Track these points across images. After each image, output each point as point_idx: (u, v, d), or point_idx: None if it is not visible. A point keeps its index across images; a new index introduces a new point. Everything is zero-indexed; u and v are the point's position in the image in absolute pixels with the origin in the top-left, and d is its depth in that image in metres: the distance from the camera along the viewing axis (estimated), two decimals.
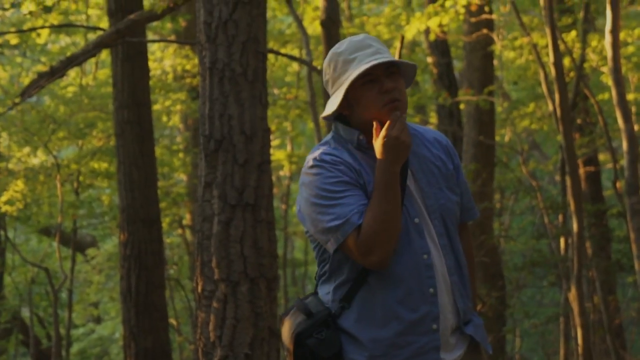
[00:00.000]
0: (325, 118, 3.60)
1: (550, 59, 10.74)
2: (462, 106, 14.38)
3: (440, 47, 14.64)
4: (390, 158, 3.39)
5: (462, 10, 12.56)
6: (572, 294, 10.41)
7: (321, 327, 3.47)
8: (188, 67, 16.03)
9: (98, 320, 21.42)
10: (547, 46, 11.61)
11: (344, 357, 3.47)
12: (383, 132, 3.41)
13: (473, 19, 13.27)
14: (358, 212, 3.39)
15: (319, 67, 10.99)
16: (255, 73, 6.29)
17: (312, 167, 3.50)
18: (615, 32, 10.02)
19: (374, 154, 3.49)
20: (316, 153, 3.51)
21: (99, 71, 18.35)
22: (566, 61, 12.87)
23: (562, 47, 12.35)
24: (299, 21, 10.63)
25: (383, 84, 3.47)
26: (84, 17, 17.21)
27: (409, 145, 3.41)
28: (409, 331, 3.43)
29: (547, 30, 10.66)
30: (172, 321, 16.18)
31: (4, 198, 14.36)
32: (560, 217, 12.99)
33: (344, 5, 17.84)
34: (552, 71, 10.78)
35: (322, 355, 3.45)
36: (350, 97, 3.52)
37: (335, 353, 3.46)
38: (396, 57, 3.48)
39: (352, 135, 3.55)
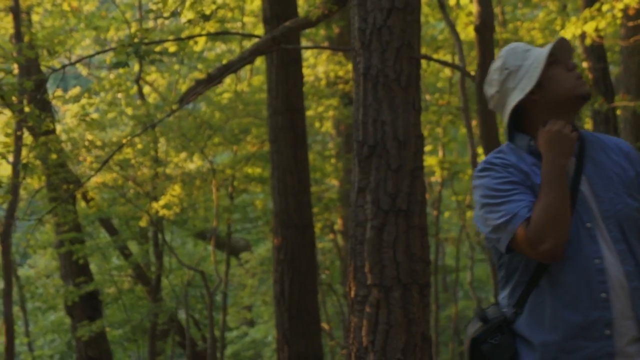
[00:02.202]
0: (506, 122, 3.70)
1: None
2: (618, 112, 14.09)
3: (596, 52, 14.37)
4: (555, 151, 3.46)
5: (620, 14, 12.31)
6: None
7: (495, 332, 3.52)
8: (341, 73, 16.16)
9: (251, 323, 21.74)
10: None
11: None
12: (546, 128, 3.51)
13: (631, 23, 12.98)
14: (526, 206, 3.44)
15: (472, 73, 10.93)
16: (408, 79, 6.28)
17: (482, 170, 3.60)
18: None
19: None
20: (488, 157, 3.62)
21: (254, 78, 18.64)
22: None
23: None
24: (452, 26, 10.60)
25: (568, 63, 3.64)
26: (239, 24, 17.49)
27: (572, 139, 3.48)
28: (578, 335, 3.41)
29: None
30: (324, 325, 16.31)
31: (162, 202, 14.72)
32: None
33: (497, 10, 17.69)
34: None
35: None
36: (540, 77, 3.63)
37: (510, 358, 3.50)
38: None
39: (524, 141, 3.64)
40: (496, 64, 3.73)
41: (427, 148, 19.98)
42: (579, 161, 3.57)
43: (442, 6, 10.57)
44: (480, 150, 12.85)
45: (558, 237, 3.38)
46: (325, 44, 16.73)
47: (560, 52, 3.66)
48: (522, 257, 3.50)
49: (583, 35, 13.39)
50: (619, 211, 3.51)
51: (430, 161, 17.86)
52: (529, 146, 3.61)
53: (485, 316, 3.58)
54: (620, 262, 3.46)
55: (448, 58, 16.83)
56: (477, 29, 10.14)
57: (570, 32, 12.56)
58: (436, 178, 19.74)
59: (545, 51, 3.62)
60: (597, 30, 12.51)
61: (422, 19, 15.93)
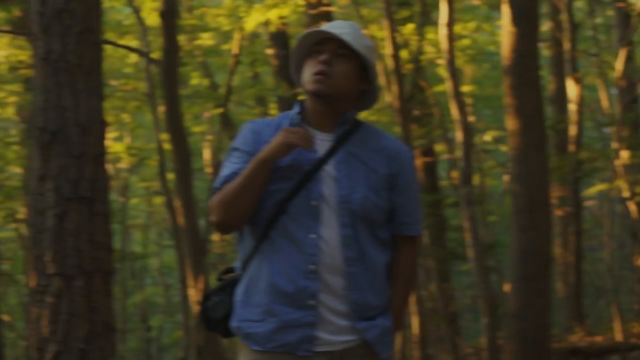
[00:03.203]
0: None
1: (388, 51, 10.90)
2: (301, 97, 14.45)
3: (281, 39, 14.69)
4: (269, 148, 3.56)
5: (302, 2, 12.64)
6: None
7: (219, 291, 3.74)
8: (23, 57, 15.66)
9: None
10: (385, 39, 11.78)
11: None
12: (289, 129, 3.60)
13: (312, 11, 13.34)
14: (226, 177, 3.65)
15: (157, 58, 10.89)
16: (91, 64, 6.18)
17: (246, 123, 3.81)
18: (450, 25, 10.24)
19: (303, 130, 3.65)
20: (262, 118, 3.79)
21: None
22: (403, 53, 13.08)
23: (399, 39, 12.54)
24: (136, 12, 10.50)
25: (320, 56, 3.65)
26: None
27: (287, 148, 3.55)
28: (285, 302, 3.55)
29: (385, 23, 10.82)
30: (5, 317, 15.81)
31: None
32: None
33: None
34: (390, 63, 10.95)
35: (210, 316, 3.72)
36: (300, 66, 3.76)
37: (224, 315, 3.70)
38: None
39: (295, 110, 3.80)
40: None
41: (113, 134, 19.74)
42: (338, 144, 3.67)
43: None
44: (165, 136, 12.82)
45: (224, 216, 3.60)
46: (7, 27, 16.17)
47: (329, 43, 3.67)
48: (253, 222, 3.65)
49: (267, 23, 13.63)
50: (355, 200, 3.62)
51: (116, 147, 17.64)
52: (291, 119, 3.74)
53: (221, 277, 3.78)
54: (342, 245, 3.60)
55: (135, 43, 16.66)
56: (162, 15, 10.10)
57: (254, 19, 12.77)
58: (123, 164, 19.55)
59: (302, 40, 3.68)
60: (280, 17, 12.78)
61: (108, 3, 15.70)
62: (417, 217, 3.84)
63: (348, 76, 3.66)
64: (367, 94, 3.77)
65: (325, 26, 3.72)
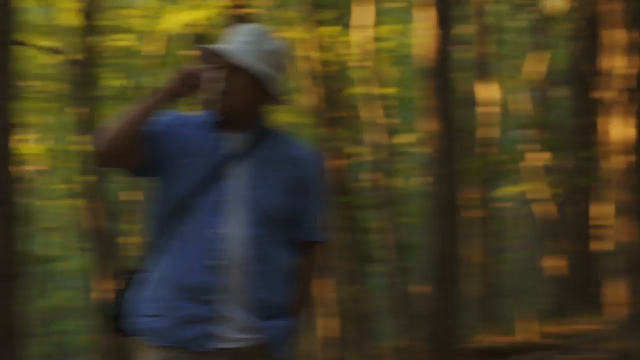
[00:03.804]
0: None
1: (308, 53, 10.91)
2: None
3: (203, 41, 14.59)
4: (172, 81, 3.59)
5: (222, 4, 12.58)
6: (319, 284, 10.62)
7: (124, 289, 3.73)
8: None
9: None
10: (306, 40, 11.79)
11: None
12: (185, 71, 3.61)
13: (232, 12, 13.28)
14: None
15: (75, 59, 10.79)
16: (3, 65, 6.11)
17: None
18: (370, 27, 10.30)
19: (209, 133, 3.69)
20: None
21: None
22: (324, 55, 13.10)
23: (320, 41, 12.57)
24: (54, 12, 10.38)
25: (218, 70, 3.64)
26: None
27: (179, 83, 3.58)
28: (185, 297, 3.56)
29: (307, 25, 10.80)
30: None
31: None
32: None
33: None
34: (310, 65, 10.96)
35: (114, 314, 3.72)
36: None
37: (127, 313, 3.70)
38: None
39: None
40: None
41: (34, 136, 19.49)
42: (247, 146, 3.69)
43: None
44: (76, 138, 12.73)
45: (105, 143, 3.54)
46: None
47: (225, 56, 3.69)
48: (157, 219, 3.67)
49: (187, 24, 13.57)
50: (261, 201, 3.66)
51: (34, 149, 17.44)
52: (205, 118, 3.73)
53: (127, 276, 3.77)
54: (246, 244, 3.62)
55: (57, 44, 16.44)
56: (80, 15, 10.02)
57: (174, 20, 12.71)
58: (40, 166, 19.28)
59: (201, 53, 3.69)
60: (201, 19, 12.73)
61: (24, 4, 15.49)
62: (319, 224, 3.88)
63: (246, 90, 3.67)
64: (273, 96, 3.76)
65: (225, 37, 3.73)
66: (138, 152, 3.61)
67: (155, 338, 3.60)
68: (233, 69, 3.65)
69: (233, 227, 3.63)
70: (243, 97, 3.67)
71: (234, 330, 3.62)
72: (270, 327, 3.69)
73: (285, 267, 3.75)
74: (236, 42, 3.66)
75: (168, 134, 3.67)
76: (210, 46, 3.67)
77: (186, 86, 3.60)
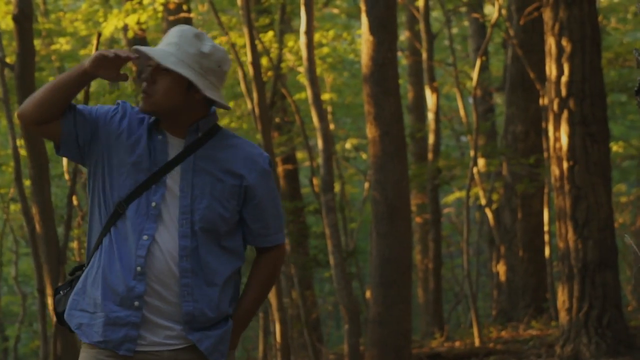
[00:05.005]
0: None
1: (248, 58, 10.86)
2: None
3: (140, 45, 14.50)
4: (92, 58, 3.59)
5: (161, 8, 12.50)
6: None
7: (66, 286, 3.78)
8: None
9: None
10: (245, 46, 11.72)
11: None
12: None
13: (171, 17, 13.21)
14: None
15: (12, 63, 10.63)
16: None
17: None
18: (309, 33, 10.26)
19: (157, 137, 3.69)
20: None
21: None
22: (264, 61, 13.06)
23: (259, 47, 12.53)
24: None
25: (145, 71, 3.68)
26: None
27: (101, 58, 3.58)
28: (113, 299, 3.58)
29: (245, 30, 10.79)
30: None
31: None
32: None
33: None
34: (250, 70, 10.92)
35: (57, 310, 3.75)
36: None
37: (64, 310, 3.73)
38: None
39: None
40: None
41: None
42: (185, 152, 3.65)
43: None
44: (20, 142, 12.52)
45: (26, 102, 3.62)
46: None
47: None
48: (96, 216, 3.68)
49: (126, 28, 13.47)
50: (197, 211, 3.62)
51: None
52: (148, 122, 3.71)
53: (72, 273, 3.81)
54: (178, 256, 3.59)
55: None
56: (15, 19, 9.83)
57: (112, 24, 12.59)
58: None
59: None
60: (139, 23, 12.63)
61: None
62: (273, 229, 3.80)
63: (168, 92, 3.62)
64: (207, 100, 3.71)
65: (162, 43, 3.70)
66: (58, 124, 3.64)
67: (86, 335, 3.64)
68: (157, 71, 3.63)
69: (167, 236, 3.61)
70: (166, 98, 3.63)
71: (162, 336, 3.62)
72: (204, 338, 3.65)
73: (226, 277, 3.69)
74: (163, 44, 3.65)
75: (95, 121, 3.68)
76: (140, 48, 3.66)
77: (100, 68, 3.59)
